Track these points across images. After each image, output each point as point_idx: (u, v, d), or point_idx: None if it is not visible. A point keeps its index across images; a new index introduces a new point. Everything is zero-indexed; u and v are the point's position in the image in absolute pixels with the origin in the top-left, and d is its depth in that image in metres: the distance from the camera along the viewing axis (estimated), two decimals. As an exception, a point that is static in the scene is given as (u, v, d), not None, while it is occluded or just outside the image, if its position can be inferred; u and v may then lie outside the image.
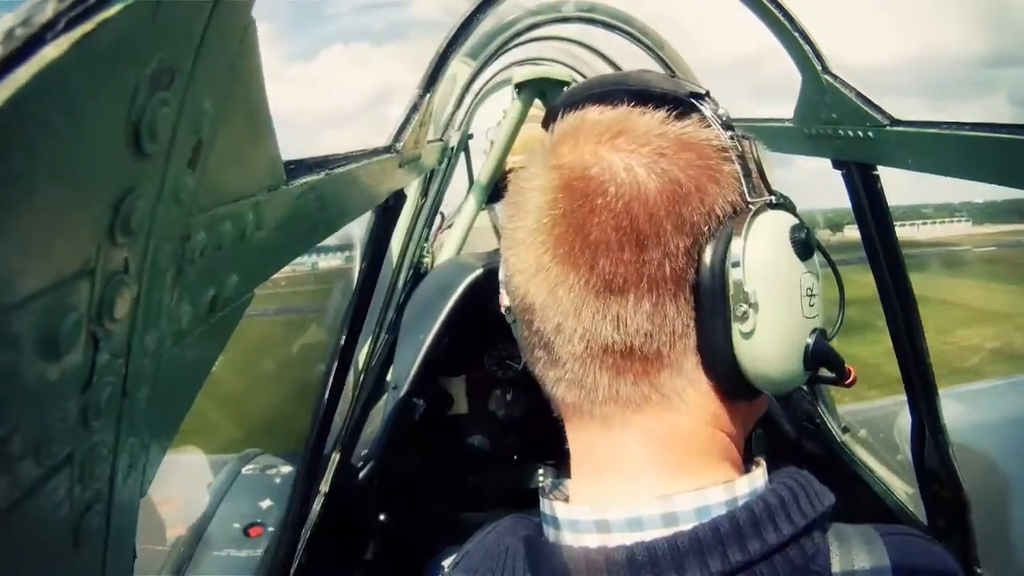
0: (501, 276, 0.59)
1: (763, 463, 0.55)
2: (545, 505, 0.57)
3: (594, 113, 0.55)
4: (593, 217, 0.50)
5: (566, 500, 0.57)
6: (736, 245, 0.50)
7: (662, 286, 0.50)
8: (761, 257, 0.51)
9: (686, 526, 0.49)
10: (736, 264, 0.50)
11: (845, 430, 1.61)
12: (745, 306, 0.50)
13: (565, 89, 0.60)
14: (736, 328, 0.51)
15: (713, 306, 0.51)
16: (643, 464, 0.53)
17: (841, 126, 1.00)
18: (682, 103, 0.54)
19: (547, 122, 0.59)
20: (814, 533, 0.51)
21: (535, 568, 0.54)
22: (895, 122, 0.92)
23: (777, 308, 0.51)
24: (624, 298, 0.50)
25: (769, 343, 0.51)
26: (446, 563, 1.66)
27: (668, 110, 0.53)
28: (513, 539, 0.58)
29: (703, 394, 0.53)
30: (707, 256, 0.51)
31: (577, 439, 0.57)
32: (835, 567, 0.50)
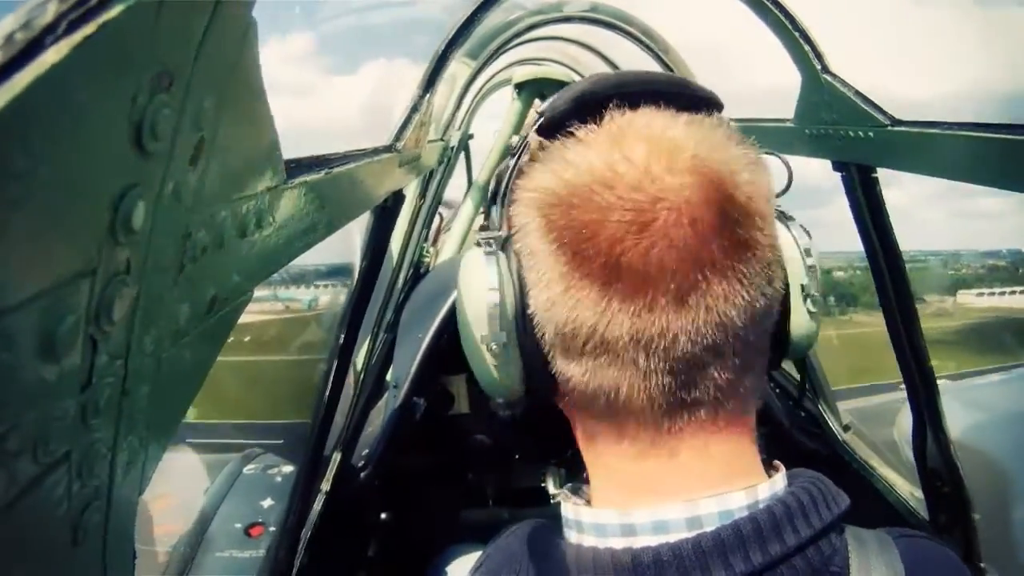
0: (508, 295, 0.55)
1: (782, 468, 0.56)
2: (568, 509, 0.57)
3: (663, 121, 0.53)
4: (687, 229, 0.49)
5: (587, 504, 0.58)
6: (801, 236, 0.57)
7: (760, 278, 0.52)
8: (812, 244, 0.58)
9: (709, 528, 0.51)
10: (809, 251, 0.57)
11: (846, 428, 1.61)
12: (815, 285, 0.57)
13: (565, 90, 0.57)
14: (806, 307, 0.58)
15: (792, 289, 0.57)
16: (677, 472, 0.54)
17: (841, 126, 1.00)
18: (713, 105, 0.57)
19: (557, 125, 0.55)
20: (831, 535, 0.53)
21: (560, 570, 0.54)
22: (896, 122, 0.92)
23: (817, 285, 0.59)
24: (728, 285, 0.50)
25: (815, 316, 0.59)
26: (449, 568, 1.64)
27: (705, 113, 0.56)
28: (536, 546, 0.59)
29: (758, 378, 0.56)
30: (789, 247, 0.57)
31: (618, 452, 0.55)
32: (853, 570, 0.52)
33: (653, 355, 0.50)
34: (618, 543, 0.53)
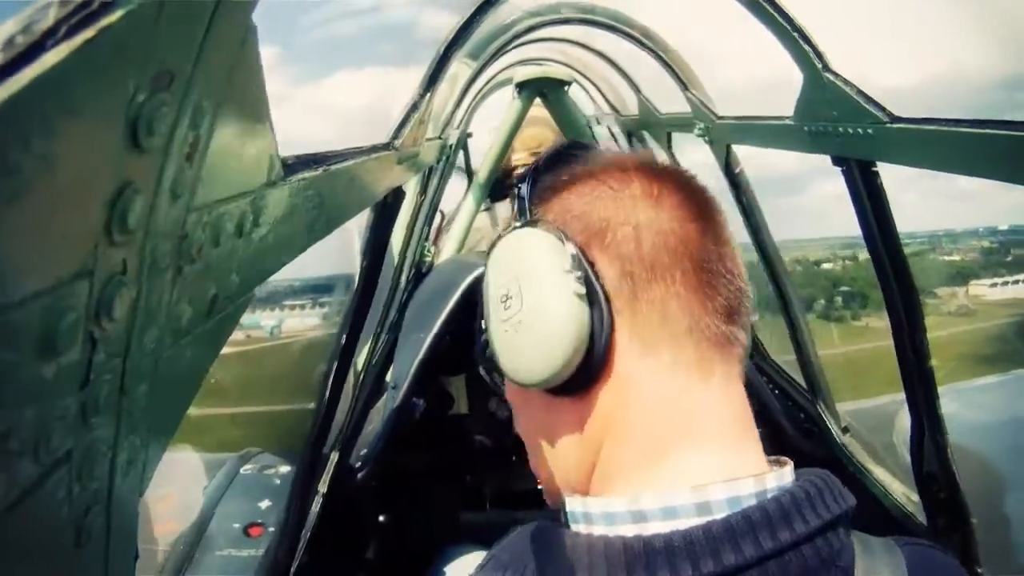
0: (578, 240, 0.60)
1: (790, 463, 0.58)
2: (575, 503, 0.58)
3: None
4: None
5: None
6: None
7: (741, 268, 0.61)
8: None
9: (719, 515, 0.52)
10: None
11: (845, 430, 1.61)
12: None
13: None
14: None
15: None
16: (709, 404, 0.57)
17: (841, 123, 1.00)
18: None
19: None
20: (839, 529, 0.54)
21: (569, 561, 0.54)
22: (895, 119, 0.92)
23: None
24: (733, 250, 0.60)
25: None
26: (447, 569, 1.65)
27: None
28: (542, 537, 0.59)
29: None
30: None
31: (661, 400, 0.57)
32: (859, 571, 0.53)
33: (707, 281, 0.57)
34: (628, 530, 0.53)
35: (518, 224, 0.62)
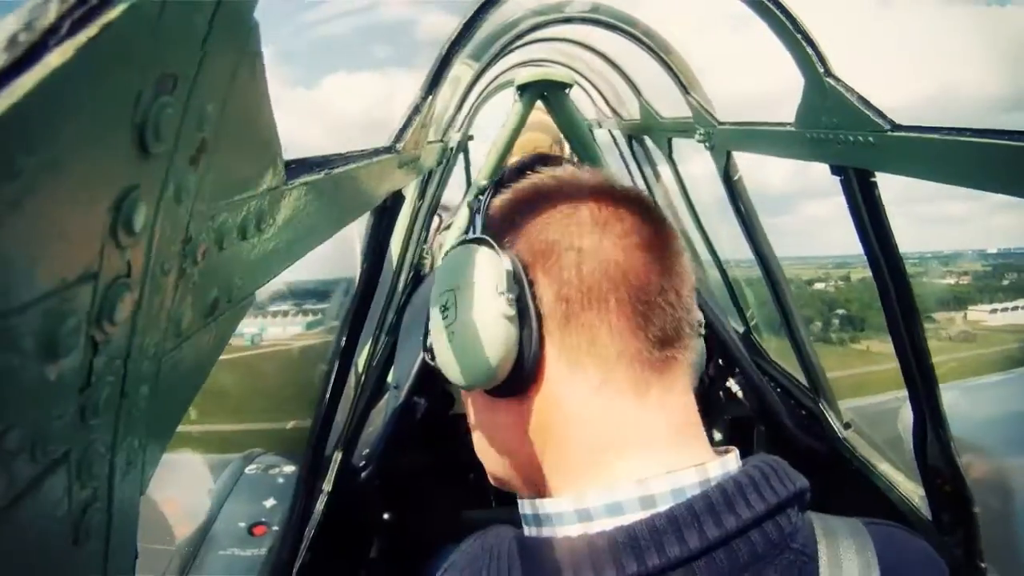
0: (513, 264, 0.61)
1: (736, 450, 0.58)
2: (525, 506, 0.59)
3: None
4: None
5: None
6: None
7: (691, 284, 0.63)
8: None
9: (663, 507, 0.52)
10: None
11: (847, 426, 1.61)
12: None
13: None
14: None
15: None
16: (638, 443, 0.56)
17: (842, 131, 1.00)
18: None
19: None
20: (789, 512, 0.54)
21: (521, 565, 0.55)
22: (896, 127, 0.92)
23: None
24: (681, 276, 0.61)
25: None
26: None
27: None
28: (497, 542, 0.60)
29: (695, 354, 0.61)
30: None
31: (591, 418, 0.57)
32: (822, 556, 0.53)
33: (642, 311, 0.57)
34: (574, 530, 0.54)
35: (467, 238, 0.64)
